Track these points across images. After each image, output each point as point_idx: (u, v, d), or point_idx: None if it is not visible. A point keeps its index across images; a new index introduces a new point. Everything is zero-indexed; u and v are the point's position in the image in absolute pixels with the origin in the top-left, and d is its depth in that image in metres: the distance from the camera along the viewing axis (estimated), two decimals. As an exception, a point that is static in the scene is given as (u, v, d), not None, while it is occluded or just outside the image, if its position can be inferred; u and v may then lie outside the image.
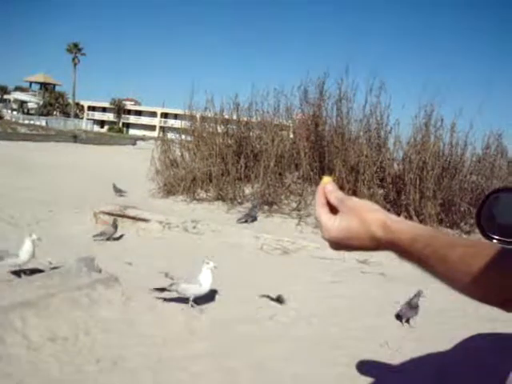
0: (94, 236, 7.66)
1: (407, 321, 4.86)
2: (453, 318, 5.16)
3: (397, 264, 6.65)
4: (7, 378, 3.60)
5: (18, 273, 5.41)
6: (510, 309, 0.91)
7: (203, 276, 4.84)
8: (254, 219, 8.75)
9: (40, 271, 5.56)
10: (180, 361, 4.02)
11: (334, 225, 0.98)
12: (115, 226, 7.68)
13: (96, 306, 4.81)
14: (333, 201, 1.01)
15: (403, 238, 0.92)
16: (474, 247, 0.91)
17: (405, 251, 0.93)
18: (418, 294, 4.86)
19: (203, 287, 4.87)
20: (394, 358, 4.31)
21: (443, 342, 4.56)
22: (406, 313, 4.87)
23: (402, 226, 0.94)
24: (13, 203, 9.95)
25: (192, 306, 4.87)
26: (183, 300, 5.19)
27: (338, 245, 1.00)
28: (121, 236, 7.97)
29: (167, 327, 3.77)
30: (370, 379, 3.94)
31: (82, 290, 4.98)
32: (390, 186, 9.47)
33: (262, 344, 4.46)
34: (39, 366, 3.86)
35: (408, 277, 6.32)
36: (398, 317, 4.96)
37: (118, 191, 11.85)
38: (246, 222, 8.61)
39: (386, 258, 6.82)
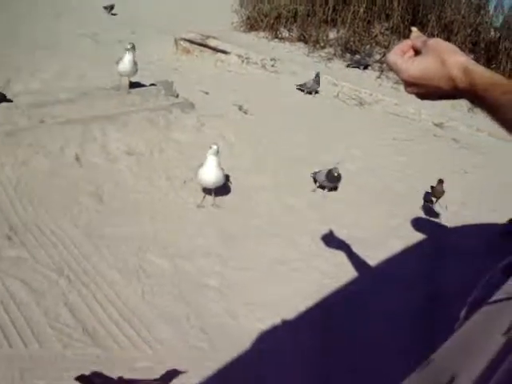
0: (297, 86, 7.32)
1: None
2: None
3: (472, 131, 6.51)
4: (89, 184, 3.94)
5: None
6: None
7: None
8: (366, 67, 8.44)
9: (141, 85, 5.68)
10: (245, 189, 4.27)
11: (414, 64, 0.99)
12: (317, 81, 7.27)
13: (172, 127, 5.03)
14: (418, 44, 1.01)
15: (480, 82, 0.92)
16: None
17: (479, 96, 0.93)
18: None
19: None
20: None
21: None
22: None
23: (482, 71, 0.93)
24: (95, 21, 10.03)
25: None
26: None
27: (415, 86, 1.00)
28: (199, 65, 8.00)
29: (238, 158, 3.94)
30: (422, 233, 4.07)
31: (160, 111, 5.18)
32: (482, 51, 8.87)
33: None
34: (116, 176, 4.18)
35: (479, 145, 6.21)
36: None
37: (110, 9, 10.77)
38: (357, 67, 8.37)
39: (462, 124, 6.65)
